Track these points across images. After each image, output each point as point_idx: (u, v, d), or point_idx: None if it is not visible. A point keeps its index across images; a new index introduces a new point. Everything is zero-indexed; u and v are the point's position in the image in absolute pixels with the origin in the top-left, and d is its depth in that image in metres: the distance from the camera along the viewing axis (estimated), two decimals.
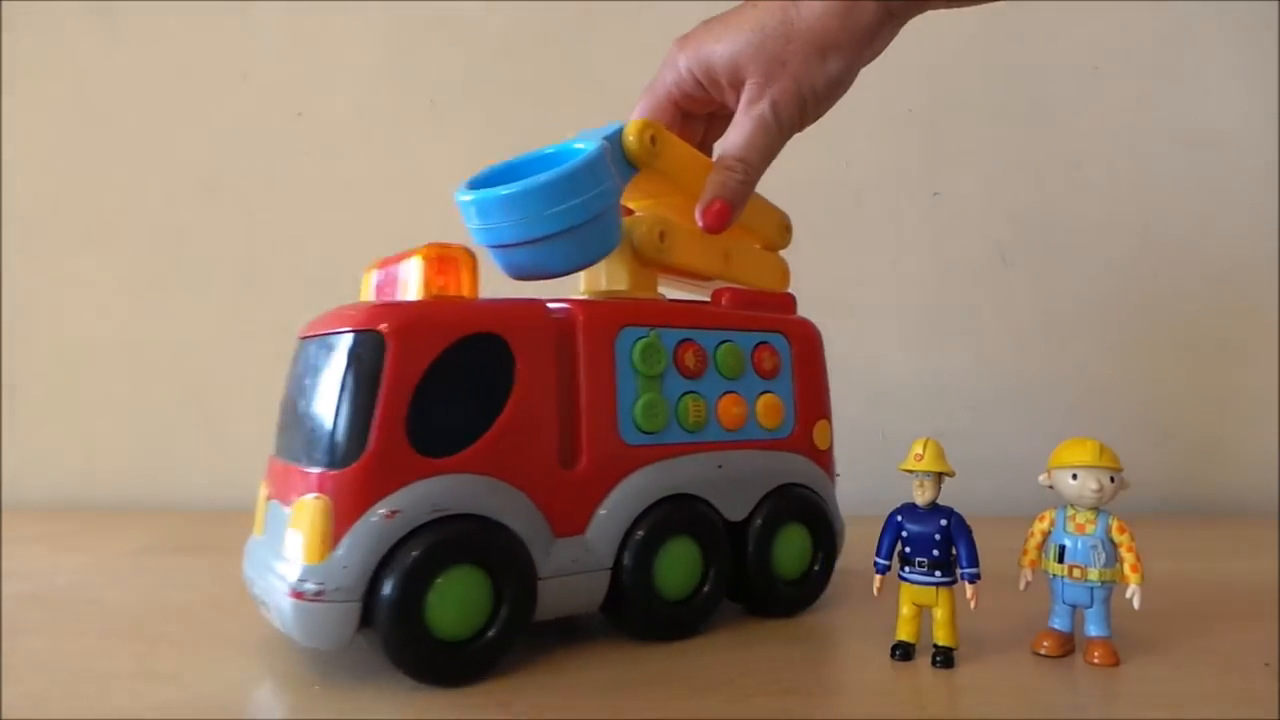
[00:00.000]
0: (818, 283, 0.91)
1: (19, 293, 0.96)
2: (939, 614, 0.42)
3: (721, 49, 0.46)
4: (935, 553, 0.42)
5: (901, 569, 0.43)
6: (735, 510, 0.47)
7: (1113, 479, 0.42)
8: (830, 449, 0.52)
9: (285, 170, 0.94)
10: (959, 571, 0.42)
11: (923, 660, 0.42)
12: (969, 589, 0.41)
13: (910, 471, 0.42)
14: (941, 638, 0.42)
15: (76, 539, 0.74)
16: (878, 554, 0.43)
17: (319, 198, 0.94)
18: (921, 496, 0.42)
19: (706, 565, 0.46)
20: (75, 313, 0.96)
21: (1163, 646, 0.44)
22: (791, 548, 0.49)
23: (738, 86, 0.47)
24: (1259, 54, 0.89)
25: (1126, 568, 0.42)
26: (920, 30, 0.90)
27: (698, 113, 0.52)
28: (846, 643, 0.45)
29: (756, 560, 0.47)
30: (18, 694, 0.39)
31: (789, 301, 0.54)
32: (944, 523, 0.42)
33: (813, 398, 0.51)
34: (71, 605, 0.54)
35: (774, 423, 0.49)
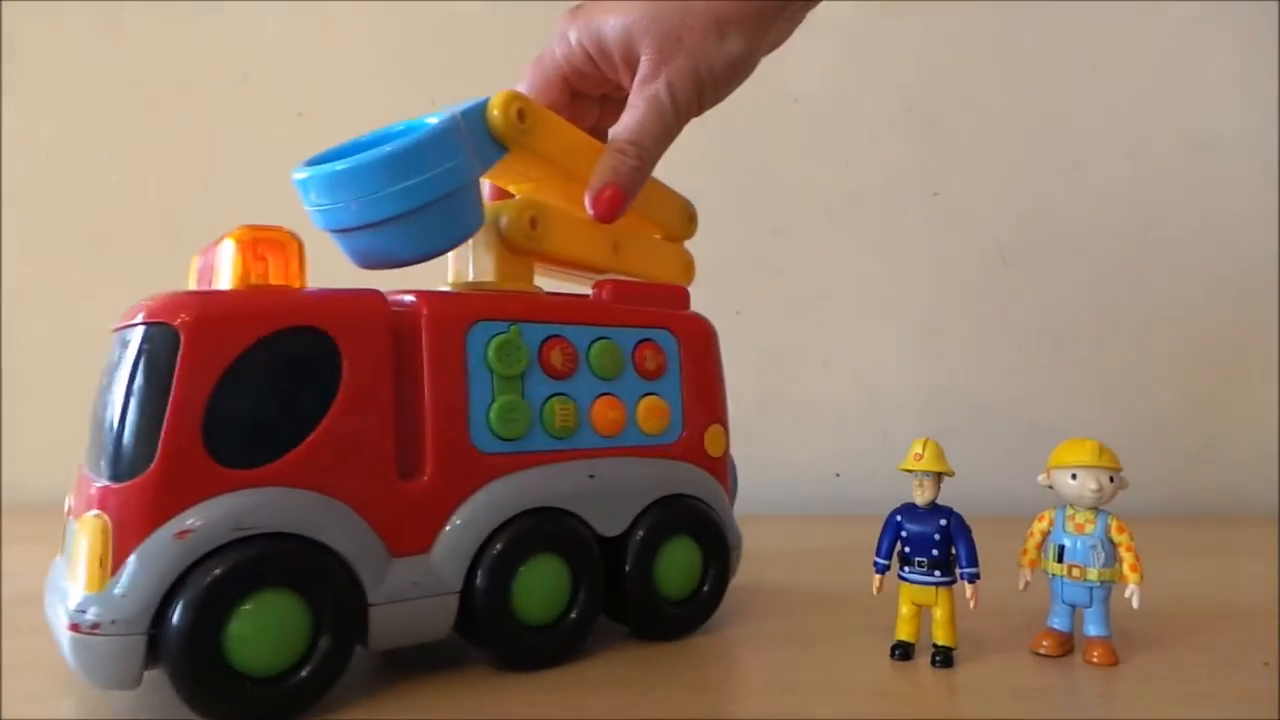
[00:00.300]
0: (817, 283, 0.91)
1: (19, 293, 0.96)
2: (938, 614, 0.42)
3: (614, 21, 0.43)
4: (935, 552, 0.42)
5: (901, 569, 0.43)
6: (610, 524, 0.43)
7: (1112, 479, 0.42)
8: (725, 456, 0.48)
9: (285, 170, 0.94)
10: (958, 571, 0.42)
11: (922, 660, 0.42)
12: (968, 589, 0.41)
13: (910, 471, 0.42)
14: (941, 637, 0.42)
15: None
16: (877, 554, 0.43)
17: None
18: (921, 496, 0.42)
19: (575, 586, 0.42)
20: (75, 313, 0.96)
21: (1162, 646, 0.44)
22: (677, 565, 0.45)
23: (631, 63, 0.44)
24: (1259, 54, 0.90)
25: (1126, 567, 0.42)
26: (921, 30, 0.90)
27: (590, 92, 0.48)
28: (846, 642, 0.45)
29: (636, 578, 0.43)
30: (18, 694, 0.39)
31: (681, 295, 0.49)
32: (943, 522, 0.42)
33: (704, 401, 0.47)
34: None
35: (658, 427, 0.45)
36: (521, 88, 0.47)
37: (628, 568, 0.43)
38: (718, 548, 0.47)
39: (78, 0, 0.95)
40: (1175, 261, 0.90)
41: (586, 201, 0.43)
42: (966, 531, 0.42)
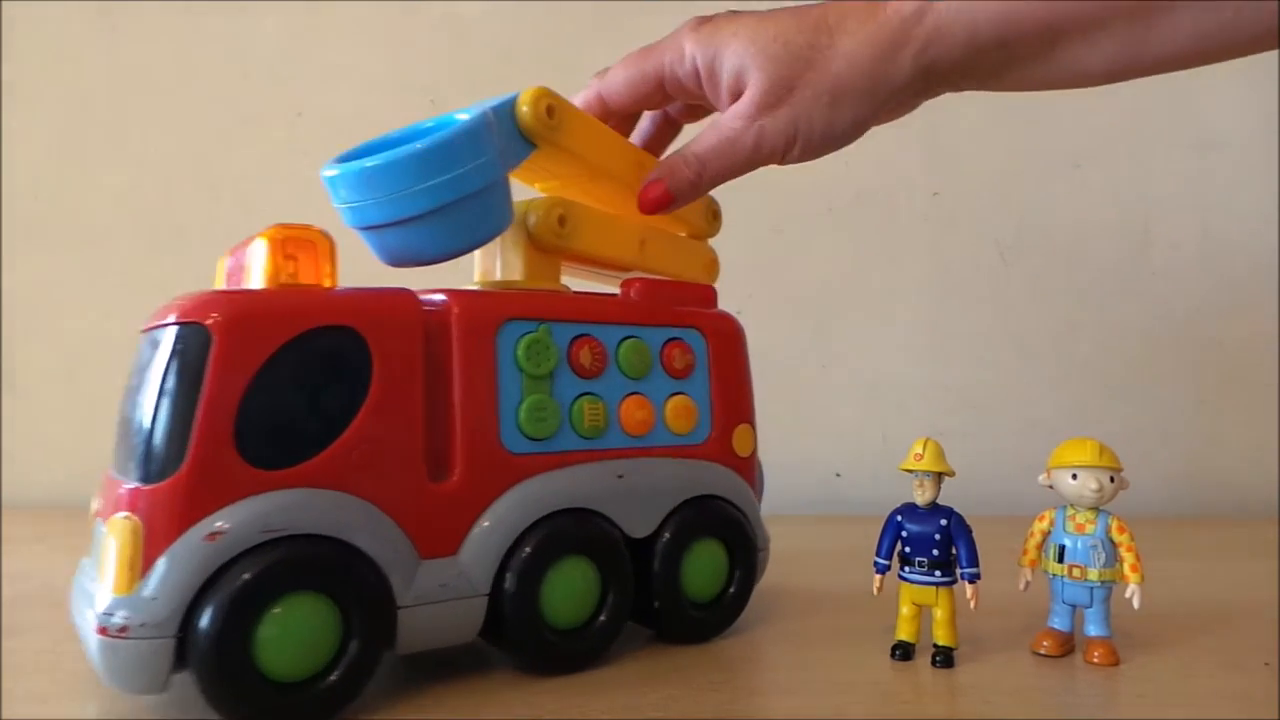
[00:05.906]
0: (817, 283, 0.91)
1: (19, 293, 0.96)
2: (939, 614, 0.42)
3: (734, 49, 0.42)
4: (935, 552, 0.42)
5: (901, 569, 0.43)
6: (639, 526, 0.42)
7: (1112, 479, 0.42)
8: (753, 456, 0.48)
9: (285, 170, 0.94)
10: (959, 571, 0.42)
11: (923, 660, 0.42)
12: (969, 589, 0.41)
13: (910, 471, 0.42)
14: (941, 637, 0.42)
15: (76, 539, 0.74)
16: (878, 554, 0.43)
17: (319, 198, 0.94)
18: (921, 496, 0.42)
19: (604, 589, 0.41)
20: (75, 313, 0.96)
21: (1162, 646, 0.44)
22: (704, 567, 0.44)
23: (735, 93, 0.43)
24: (1259, 54, 0.89)
25: (1126, 567, 0.42)
26: None
27: (680, 99, 0.47)
28: (847, 642, 0.45)
29: (663, 581, 0.43)
30: (18, 694, 0.39)
31: (709, 294, 0.48)
32: (944, 522, 0.42)
33: (733, 400, 0.47)
34: None
35: (686, 427, 0.44)
36: (616, 73, 0.46)
37: (655, 569, 0.43)
38: (744, 549, 0.46)
39: (77, 0, 0.95)
40: (1175, 261, 0.90)
41: (640, 192, 0.43)
42: (967, 531, 0.42)
